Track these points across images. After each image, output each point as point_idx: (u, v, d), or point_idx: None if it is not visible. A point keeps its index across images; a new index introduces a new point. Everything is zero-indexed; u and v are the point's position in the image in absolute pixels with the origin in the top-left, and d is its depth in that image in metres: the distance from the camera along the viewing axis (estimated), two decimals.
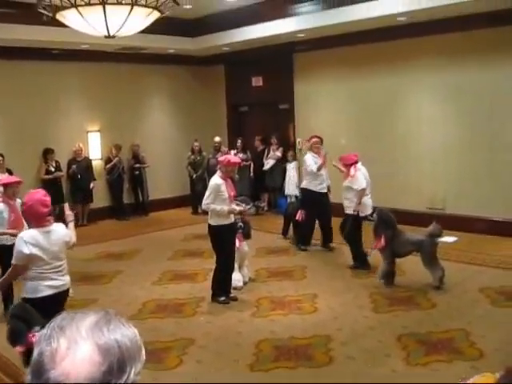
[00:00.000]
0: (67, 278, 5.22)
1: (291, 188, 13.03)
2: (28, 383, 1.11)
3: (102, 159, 13.42)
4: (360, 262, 8.72)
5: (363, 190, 8.61)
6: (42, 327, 1.15)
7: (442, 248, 9.40)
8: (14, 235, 5.90)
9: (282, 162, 13.28)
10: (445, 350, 5.62)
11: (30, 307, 3.83)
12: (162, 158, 14.24)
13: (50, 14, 6.90)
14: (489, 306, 6.87)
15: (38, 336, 1.14)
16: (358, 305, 7.12)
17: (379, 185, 10.94)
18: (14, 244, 5.27)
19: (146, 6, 6.78)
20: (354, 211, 8.62)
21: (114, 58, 12.90)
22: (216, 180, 7.31)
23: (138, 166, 13.64)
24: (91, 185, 12.78)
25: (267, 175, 13.43)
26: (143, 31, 7.76)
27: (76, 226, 11.80)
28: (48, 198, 5.03)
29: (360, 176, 8.68)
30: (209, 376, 5.35)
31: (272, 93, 13.58)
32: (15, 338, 3.50)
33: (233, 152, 13.62)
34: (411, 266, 8.54)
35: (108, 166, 13.25)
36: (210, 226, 7.47)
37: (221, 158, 7.71)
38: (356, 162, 8.80)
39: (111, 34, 7.03)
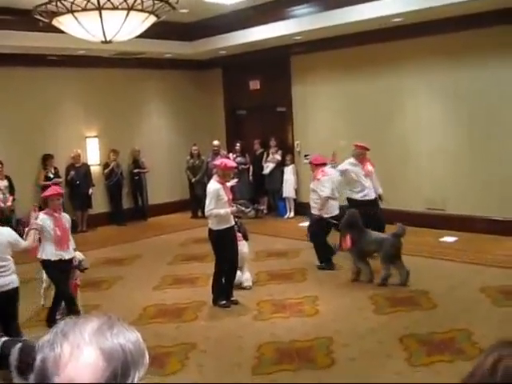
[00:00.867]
0: (12, 278, 5.36)
1: (288, 191, 13.06)
2: None
3: (100, 165, 13.41)
4: (325, 262, 8.81)
5: (326, 198, 8.69)
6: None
7: (442, 248, 9.45)
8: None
9: (280, 165, 13.28)
10: (447, 350, 5.62)
11: None
12: (160, 162, 14.23)
13: (47, 20, 6.91)
14: (490, 306, 6.86)
15: (40, 342, 1.13)
16: (359, 306, 7.11)
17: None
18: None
19: (142, 10, 6.79)
20: (317, 214, 8.76)
21: (111, 63, 12.91)
22: (214, 185, 7.31)
23: (137, 171, 13.63)
24: (90, 190, 12.76)
25: (266, 178, 13.43)
26: (140, 36, 7.76)
27: (75, 232, 11.93)
28: None
29: (326, 182, 8.75)
30: (211, 381, 5.34)
31: (270, 96, 13.59)
32: None
33: (232, 155, 13.62)
34: (411, 267, 8.54)
35: (106, 170, 13.24)
36: (210, 230, 7.46)
37: (217, 162, 7.72)
38: (323, 165, 8.87)
39: (108, 40, 7.03)
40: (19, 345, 4.35)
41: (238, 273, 7.78)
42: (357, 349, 5.83)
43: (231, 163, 7.84)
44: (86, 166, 12.91)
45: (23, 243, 5.93)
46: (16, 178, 11.38)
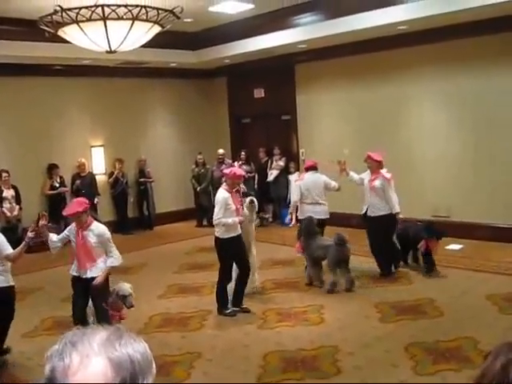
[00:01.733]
0: None
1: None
2: None
3: (105, 174, 13.44)
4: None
5: (294, 202, 9.11)
6: None
7: (448, 256, 9.42)
8: None
9: (285, 173, 13.28)
10: (453, 359, 5.59)
11: None
12: (165, 171, 14.26)
13: (52, 31, 6.95)
14: (496, 314, 6.83)
15: (49, 352, 1.13)
16: (365, 315, 7.09)
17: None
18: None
19: (146, 20, 6.83)
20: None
21: (117, 72, 12.97)
22: (223, 193, 7.30)
23: (143, 180, 13.65)
24: (95, 200, 12.77)
25: (271, 186, 13.43)
26: (145, 45, 7.81)
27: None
28: None
29: (295, 187, 9.07)
30: None
31: (274, 104, 13.62)
32: None
33: (237, 164, 13.63)
34: (417, 275, 8.54)
35: (110, 179, 13.26)
36: (217, 238, 7.46)
37: (226, 171, 7.68)
38: (311, 168, 9.03)
39: (113, 49, 7.08)
40: None
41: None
42: (362, 357, 5.81)
43: (240, 171, 7.79)
44: (92, 175, 12.94)
45: (7, 252, 5.96)
46: (22, 187, 11.42)
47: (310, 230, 8.35)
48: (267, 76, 13.65)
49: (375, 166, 8.64)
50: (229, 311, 7.36)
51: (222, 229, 7.33)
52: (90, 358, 1.09)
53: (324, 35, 10.46)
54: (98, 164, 13.39)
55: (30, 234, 6.09)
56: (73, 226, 6.41)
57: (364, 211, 8.97)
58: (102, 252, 6.32)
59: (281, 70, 13.31)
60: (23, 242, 6.08)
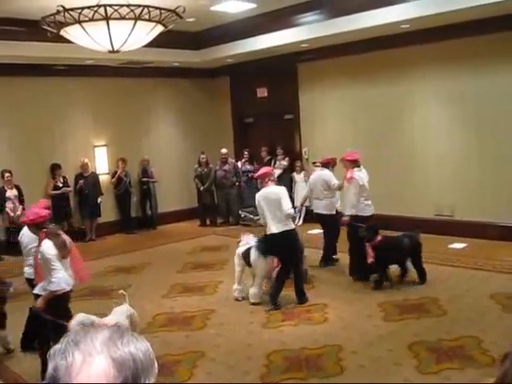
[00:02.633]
0: None
1: (299, 199, 13.03)
2: None
3: (109, 174, 13.46)
4: None
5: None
6: None
7: (451, 255, 9.42)
8: None
9: (288, 172, 13.28)
10: (457, 358, 5.58)
11: None
12: (168, 170, 14.27)
13: (55, 31, 6.96)
14: (500, 313, 6.81)
15: (52, 351, 1.14)
16: (368, 314, 7.09)
17: (386, 192, 10.94)
18: None
19: (149, 20, 6.84)
20: None
21: (119, 72, 12.97)
22: (280, 188, 7.67)
23: (146, 179, 13.67)
24: (99, 199, 12.81)
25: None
26: (147, 45, 7.82)
27: (85, 241, 12.00)
28: None
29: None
30: None
31: (277, 103, 13.62)
32: None
33: (240, 163, 13.67)
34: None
35: (113, 179, 13.28)
36: (288, 231, 7.46)
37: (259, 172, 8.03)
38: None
39: (115, 49, 7.09)
40: None
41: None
42: (366, 356, 5.81)
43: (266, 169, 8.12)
44: (95, 175, 12.95)
45: None
46: (25, 187, 11.45)
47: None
48: (270, 75, 13.65)
49: (348, 165, 8.54)
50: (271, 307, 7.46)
51: (290, 221, 7.49)
52: (92, 356, 1.10)
53: (326, 34, 10.45)
54: (101, 164, 13.40)
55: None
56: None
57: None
58: (47, 273, 5.57)
59: (283, 70, 13.30)
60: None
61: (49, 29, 6.95)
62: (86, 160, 12.79)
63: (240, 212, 13.37)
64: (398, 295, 7.65)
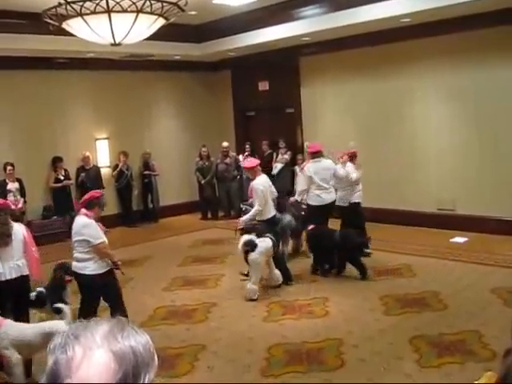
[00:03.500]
0: None
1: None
2: None
3: (110, 167, 13.46)
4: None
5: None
6: None
7: (452, 249, 9.42)
8: None
9: (289, 166, 13.28)
10: (457, 352, 5.59)
11: None
12: (170, 163, 14.27)
13: (57, 24, 6.94)
14: (501, 307, 6.82)
15: (52, 345, 1.14)
16: (369, 308, 7.09)
17: (388, 186, 10.94)
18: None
19: (151, 13, 6.81)
20: None
21: (121, 65, 12.95)
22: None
23: (147, 173, 13.67)
24: None
25: (276, 179, 13.40)
26: (149, 38, 7.79)
27: None
28: None
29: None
30: (220, 382, 5.35)
31: (278, 97, 13.60)
32: None
33: (241, 157, 13.64)
34: (422, 268, 8.53)
35: (114, 172, 13.28)
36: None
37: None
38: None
39: (117, 42, 7.06)
40: None
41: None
42: (367, 350, 5.82)
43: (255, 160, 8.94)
44: (96, 168, 12.95)
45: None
46: (26, 180, 11.46)
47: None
48: (271, 69, 13.63)
49: (309, 157, 9.35)
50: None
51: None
52: (92, 350, 1.10)
53: (328, 28, 10.43)
54: (103, 157, 13.40)
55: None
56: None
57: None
58: None
59: (285, 63, 13.27)
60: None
61: (50, 22, 6.93)
62: (88, 153, 12.80)
63: (241, 205, 13.34)
64: (399, 289, 7.66)
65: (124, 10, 6.53)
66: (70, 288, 6.69)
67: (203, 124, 14.86)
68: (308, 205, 9.22)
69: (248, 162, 9.03)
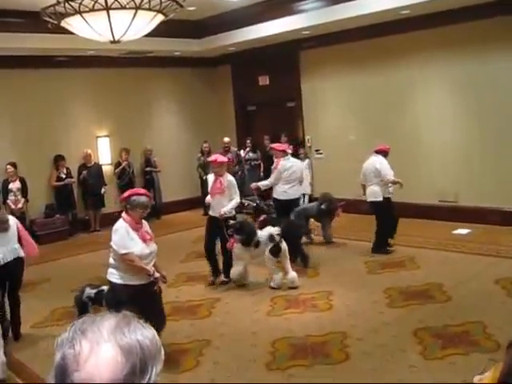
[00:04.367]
0: None
1: (304, 186, 13.03)
2: None
3: (112, 164, 13.46)
4: None
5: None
6: None
7: (455, 240, 9.42)
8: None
9: None
10: (462, 343, 5.60)
11: None
12: (171, 160, 14.26)
13: (55, 22, 6.94)
14: (505, 298, 6.82)
15: (59, 340, 1.14)
16: (373, 300, 7.10)
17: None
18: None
19: (149, 9, 6.80)
20: None
21: (121, 62, 12.95)
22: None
23: (149, 169, 13.67)
24: (102, 190, 12.81)
25: None
26: (148, 35, 7.78)
27: (89, 231, 12.06)
28: None
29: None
30: (226, 376, 5.36)
31: (279, 91, 13.58)
32: None
33: (243, 152, 13.64)
34: (425, 260, 8.54)
35: (117, 170, 13.29)
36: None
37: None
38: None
39: (116, 39, 7.06)
40: None
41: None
42: (371, 343, 5.83)
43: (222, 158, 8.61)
44: (98, 166, 12.96)
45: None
46: (29, 179, 11.47)
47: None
48: (272, 63, 13.61)
49: (279, 155, 9.65)
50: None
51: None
52: (100, 345, 1.10)
53: (328, 21, 10.41)
54: (104, 154, 13.41)
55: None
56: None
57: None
58: None
59: (285, 57, 13.25)
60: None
61: (49, 20, 6.92)
62: (89, 151, 12.81)
63: (243, 200, 13.33)
64: (402, 282, 7.66)
65: (122, 7, 6.53)
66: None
67: (204, 120, 14.85)
68: (275, 199, 9.79)
69: (217, 157, 8.65)
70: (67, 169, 12.42)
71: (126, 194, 5.64)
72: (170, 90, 14.59)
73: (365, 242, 9.51)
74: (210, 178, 8.56)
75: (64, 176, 12.30)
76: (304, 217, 9.77)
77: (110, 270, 5.63)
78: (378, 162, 9.07)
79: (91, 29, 6.83)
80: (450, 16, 9.91)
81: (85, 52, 11.40)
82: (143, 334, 1.15)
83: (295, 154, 13.21)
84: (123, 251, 5.39)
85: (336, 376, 5.19)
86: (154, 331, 1.19)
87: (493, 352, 5.21)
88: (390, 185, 9.12)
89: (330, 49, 12.30)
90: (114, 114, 13.39)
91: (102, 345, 1.10)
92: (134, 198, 5.51)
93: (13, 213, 10.79)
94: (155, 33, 7.91)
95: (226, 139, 13.64)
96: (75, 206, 12.65)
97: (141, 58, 12.92)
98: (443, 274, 7.82)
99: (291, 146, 13.27)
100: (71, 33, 7.38)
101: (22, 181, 11.29)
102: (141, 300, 5.15)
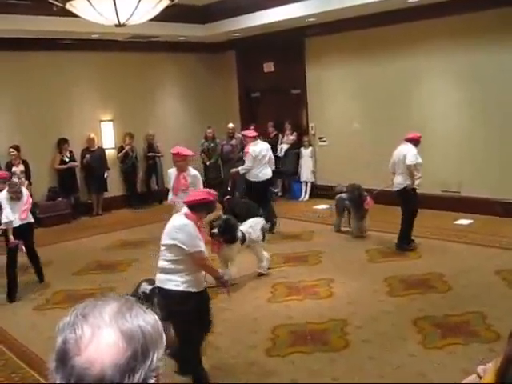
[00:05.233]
0: None
1: (306, 174, 13.06)
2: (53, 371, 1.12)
3: (115, 148, 13.46)
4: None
5: None
6: None
7: (457, 231, 9.42)
8: None
9: (295, 147, 13.27)
10: (461, 333, 5.62)
11: None
12: (175, 145, 14.13)
13: (61, 4, 6.91)
14: (505, 289, 6.84)
15: (61, 324, 1.15)
16: (374, 289, 7.12)
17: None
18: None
19: None
20: None
21: (126, 46, 12.90)
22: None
23: (151, 154, 13.67)
24: (105, 174, 12.83)
25: (281, 160, 13.38)
26: (153, 19, 7.76)
27: (91, 215, 12.08)
28: None
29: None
30: (227, 362, 5.39)
31: (284, 78, 13.53)
32: None
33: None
34: (427, 250, 8.55)
35: (120, 154, 13.28)
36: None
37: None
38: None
39: (121, 23, 7.04)
40: None
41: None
42: (371, 331, 5.85)
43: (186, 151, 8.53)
44: (101, 150, 12.96)
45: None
46: (32, 162, 11.49)
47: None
48: (277, 50, 13.54)
49: (249, 141, 10.37)
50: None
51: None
52: (101, 329, 1.10)
53: (334, 8, 10.34)
54: (108, 139, 13.40)
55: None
56: None
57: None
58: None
59: (290, 44, 13.20)
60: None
61: (54, 2, 6.90)
62: (93, 135, 12.80)
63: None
64: (403, 271, 7.68)
65: None
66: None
67: (208, 105, 14.80)
68: (247, 180, 10.47)
69: (181, 149, 8.47)
70: (70, 152, 12.42)
71: (199, 197, 5.17)
72: (174, 74, 14.55)
73: (368, 232, 9.54)
74: (172, 172, 8.20)
75: (67, 159, 12.31)
76: (341, 207, 9.96)
77: (165, 276, 4.88)
78: (406, 149, 8.84)
79: (96, 12, 6.80)
80: (456, 6, 9.84)
81: (89, 35, 11.35)
82: (145, 319, 1.16)
83: (298, 142, 13.27)
84: (197, 249, 4.81)
85: (335, 364, 5.21)
86: (156, 316, 1.19)
87: (492, 342, 5.23)
88: (416, 175, 8.82)
89: (336, 36, 12.23)
90: (118, 98, 13.36)
91: (104, 330, 1.11)
92: (212, 203, 5.18)
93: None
94: (160, 17, 7.88)
95: (231, 125, 13.62)
96: (78, 190, 12.66)
97: (145, 42, 12.87)
98: (444, 263, 7.83)
99: (295, 133, 13.30)
100: (76, 16, 7.35)
101: (26, 164, 11.31)
102: (201, 308, 4.97)
